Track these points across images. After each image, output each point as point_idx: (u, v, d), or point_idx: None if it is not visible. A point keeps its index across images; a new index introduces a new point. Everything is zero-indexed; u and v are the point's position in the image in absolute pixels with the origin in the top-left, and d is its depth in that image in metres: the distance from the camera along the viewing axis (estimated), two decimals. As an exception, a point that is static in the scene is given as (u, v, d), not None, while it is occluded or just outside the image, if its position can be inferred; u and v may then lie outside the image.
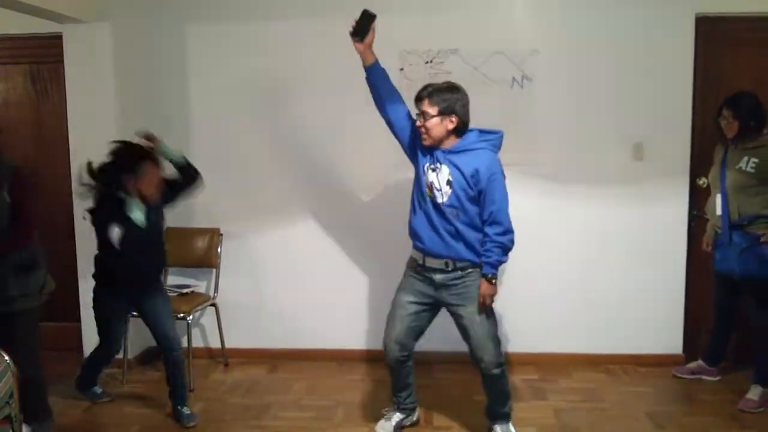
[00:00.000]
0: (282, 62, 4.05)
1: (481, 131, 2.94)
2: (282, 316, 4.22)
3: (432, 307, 3.05)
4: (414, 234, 3.01)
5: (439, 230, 2.89)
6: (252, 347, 4.24)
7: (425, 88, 2.94)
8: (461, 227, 2.88)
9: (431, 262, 2.94)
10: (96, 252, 3.23)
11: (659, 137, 3.94)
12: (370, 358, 4.10)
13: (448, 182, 2.87)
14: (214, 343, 4.22)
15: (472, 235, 2.90)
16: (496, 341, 2.97)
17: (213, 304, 4.08)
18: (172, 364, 3.29)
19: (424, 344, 4.03)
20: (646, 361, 4.04)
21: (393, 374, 3.15)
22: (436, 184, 2.88)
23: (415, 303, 3.01)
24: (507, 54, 3.92)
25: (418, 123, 2.91)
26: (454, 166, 2.86)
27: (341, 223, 4.13)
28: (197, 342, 4.24)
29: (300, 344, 4.21)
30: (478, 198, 2.85)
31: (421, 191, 2.95)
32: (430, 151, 2.92)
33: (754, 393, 3.44)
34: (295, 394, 3.70)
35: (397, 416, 3.21)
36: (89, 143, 3.85)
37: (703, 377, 3.83)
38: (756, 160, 3.30)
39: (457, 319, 2.98)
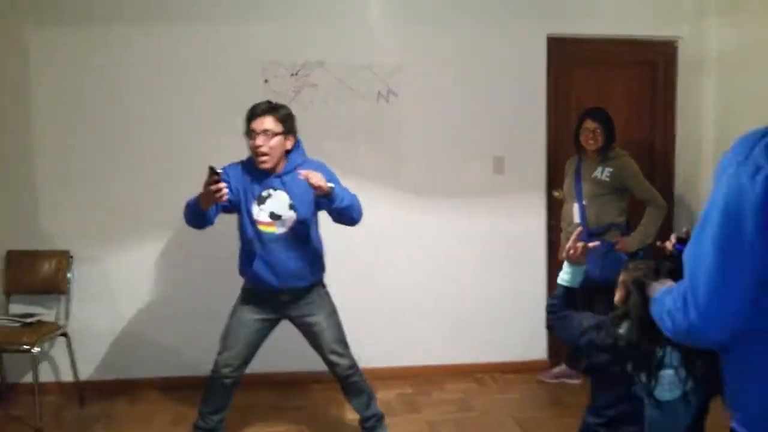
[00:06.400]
0: (138, 69, 3.83)
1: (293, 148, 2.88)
2: (143, 342, 3.95)
3: (273, 323, 2.98)
4: (256, 280, 2.85)
5: (285, 265, 2.81)
6: (110, 378, 3.92)
7: (265, 104, 2.82)
8: (306, 248, 2.86)
9: (278, 291, 2.88)
10: None
11: (517, 151, 4.11)
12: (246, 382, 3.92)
13: (291, 206, 2.80)
14: (67, 377, 3.86)
15: (315, 252, 2.92)
16: (346, 343, 3.00)
17: (63, 334, 3.74)
18: None
19: (296, 364, 3.98)
20: (513, 368, 4.16)
21: (219, 394, 2.95)
22: (278, 212, 2.79)
23: (260, 320, 2.91)
24: (373, 68, 3.96)
25: (258, 142, 2.74)
26: (291, 187, 2.80)
27: (204, 241, 3.92)
28: (46, 376, 3.86)
29: (163, 372, 3.95)
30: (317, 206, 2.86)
31: (256, 232, 2.80)
32: (251, 184, 2.80)
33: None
34: (158, 427, 3.46)
35: None
36: None
37: (566, 381, 4.00)
38: (611, 169, 3.53)
39: (307, 328, 2.95)
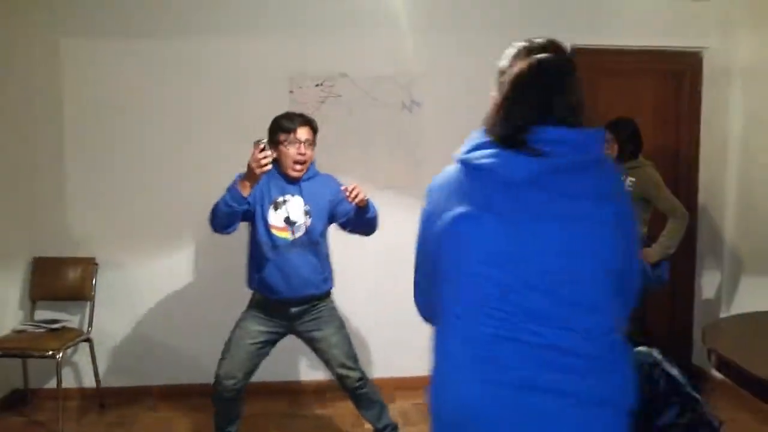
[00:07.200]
0: (166, 80, 3.88)
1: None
2: (164, 350, 3.97)
3: (278, 337, 2.99)
4: (265, 288, 2.87)
5: (297, 272, 2.83)
6: (131, 385, 3.96)
7: (301, 114, 2.93)
8: (318, 256, 2.90)
9: (287, 302, 2.89)
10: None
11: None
12: (260, 390, 3.93)
13: (307, 212, 2.84)
14: (88, 383, 3.90)
15: (325, 261, 2.96)
16: (355, 356, 3.00)
17: (87, 340, 3.78)
18: None
19: (311, 373, 3.98)
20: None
21: (228, 406, 2.97)
22: (293, 217, 2.83)
23: (265, 332, 2.92)
24: (396, 79, 3.97)
25: (301, 150, 2.83)
26: (307, 194, 2.86)
27: (226, 250, 3.94)
28: (69, 382, 3.89)
29: (183, 380, 3.98)
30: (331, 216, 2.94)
31: (270, 237, 2.83)
32: (268, 190, 2.84)
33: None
34: (178, 434, 3.49)
35: None
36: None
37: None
38: (633, 179, 3.51)
39: (314, 343, 2.96)
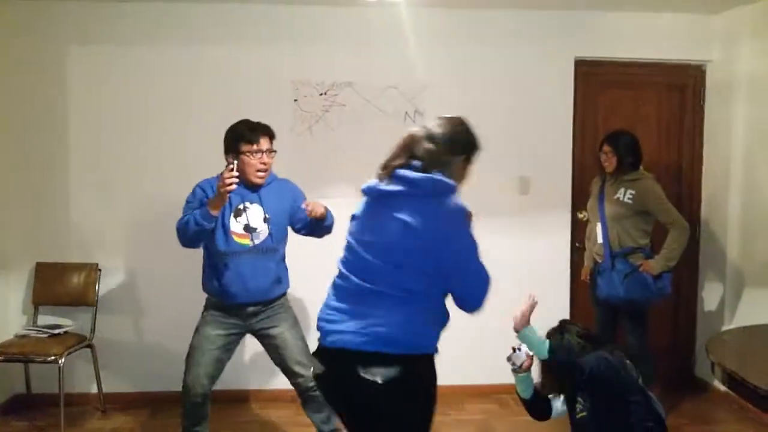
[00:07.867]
0: (170, 88, 3.91)
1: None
2: (166, 356, 3.96)
3: (239, 337, 3.02)
4: (223, 294, 2.90)
5: (255, 278, 2.87)
6: (132, 391, 3.97)
7: (260, 123, 2.96)
8: (276, 263, 2.94)
9: (243, 304, 2.92)
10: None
11: (543, 172, 4.10)
12: (260, 398, 3.94)
13: (266, 220, 2.88)
14: (90, 388, 3.90)
15: (282, 267, 3.00)
16: (309, 353, 2.98)
17: (89, 345, 3.78)
18: None
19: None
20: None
21: (195, 409, 2.99)
22: (253, 224, 2.87)
23: (224, 335, 2.95)
24: (400, 89, 3.99)
25: (263, 159, 2.87)
26: (267, 201, 2.91)
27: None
28: (71, 387, 3.89)
29: (185, 386, 3.98)
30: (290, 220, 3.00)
31: (230, 244, 2.86)
32: (229, 197, 2.82)
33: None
34: (178, 441, 3.48)
35: None
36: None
37: (588, 404, 3.95)
38: (633, 192, 3.51)
39: (269, 340, 2.99)
